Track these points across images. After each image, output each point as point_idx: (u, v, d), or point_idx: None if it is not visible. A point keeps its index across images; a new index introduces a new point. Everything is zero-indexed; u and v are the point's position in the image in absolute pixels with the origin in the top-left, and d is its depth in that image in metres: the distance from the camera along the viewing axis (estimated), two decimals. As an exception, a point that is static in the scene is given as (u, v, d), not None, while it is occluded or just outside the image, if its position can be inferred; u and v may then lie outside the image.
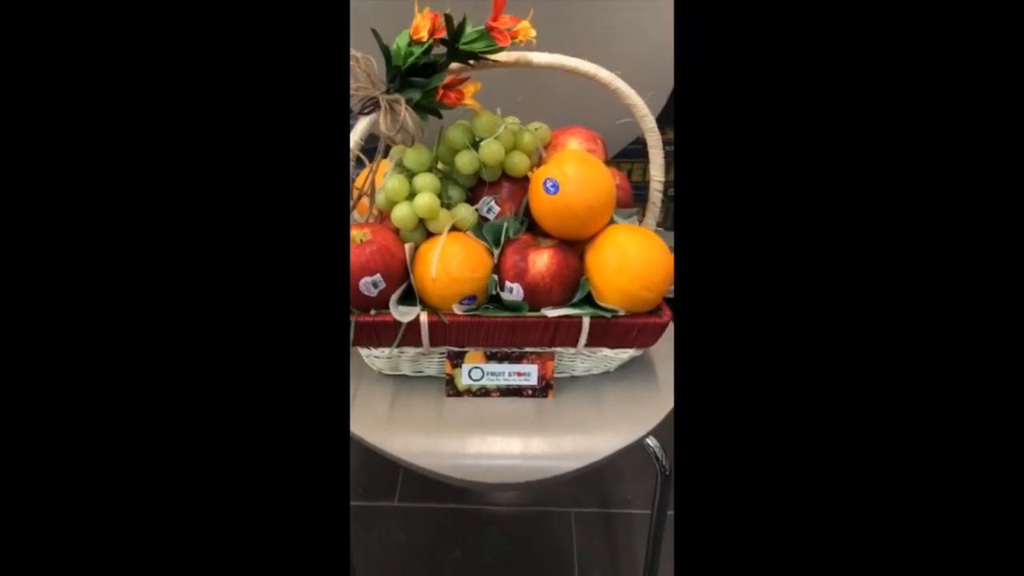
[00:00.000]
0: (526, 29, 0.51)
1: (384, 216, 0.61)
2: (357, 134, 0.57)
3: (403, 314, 0.55)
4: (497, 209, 0.59)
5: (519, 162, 0.58)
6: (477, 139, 0.57)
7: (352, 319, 0.56)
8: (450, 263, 0.55)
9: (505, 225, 0.57)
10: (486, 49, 0.51)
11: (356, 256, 0.54)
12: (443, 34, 0.50)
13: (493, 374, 0.61)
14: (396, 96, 0.53)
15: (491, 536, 0.95)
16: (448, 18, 0.50)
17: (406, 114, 0.52)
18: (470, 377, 0.61)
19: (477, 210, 0.59)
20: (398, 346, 0.59)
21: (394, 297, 0.56)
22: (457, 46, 0.51)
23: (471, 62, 0.52)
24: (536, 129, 0.60)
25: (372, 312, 0.57)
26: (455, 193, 0.59)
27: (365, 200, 0.60)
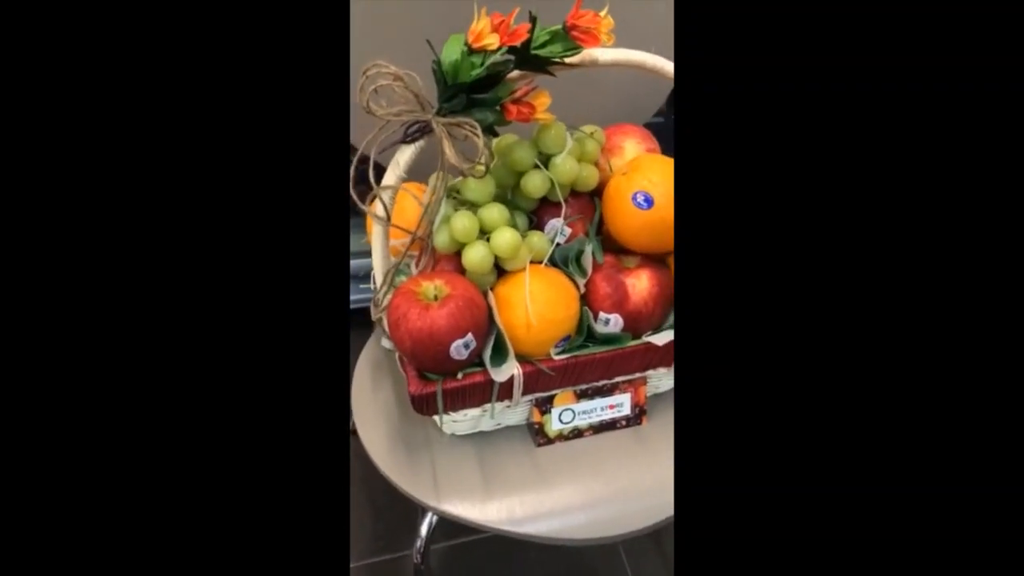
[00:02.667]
0: (608, 23, 0.43)
1: (440, 258, 0.51)
2: (401, 166, 0.47)
3: (501, 372, 0.47)
4: (568, 231, 0.52)
5: (589, 175, 0.51)
6: (544, 155, 0.49)
7: (436, 388, 0.47)
8: (543, 305, 0.47)
9: (590, 249, 0.50)
10: (565, 52, 0.43)
11: (441, 317, 0.45)
12: (520, 39, 0.42)
13: (585, 412, 0.55)
14: (458, 119, 0.44)
15: (531, 562, 0.90)
16: (533, 20, 0.41)
17: (479, 140, 0.43)
18: (560, 421, 0.54)
19: (547, 235, 0.52)
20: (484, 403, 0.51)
21: (487, 355, 0.48)
22: (531, 52, 0.43)
23: (548, 69, 0.44)
24: (592, 133, 0.53)
25: (460, 376, 0.48)
26: (521, 221, 0.51)
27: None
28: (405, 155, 0.47)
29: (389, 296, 0.50)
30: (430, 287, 0.47)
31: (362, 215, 0.51)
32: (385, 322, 0.52)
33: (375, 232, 0.49)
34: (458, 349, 0.46)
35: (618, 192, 0.50)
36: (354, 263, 1.05)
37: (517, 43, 0.42)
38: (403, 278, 0.54)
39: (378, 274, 0.51)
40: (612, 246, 0.53)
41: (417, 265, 0.53)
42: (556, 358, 0.49)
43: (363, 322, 0.59)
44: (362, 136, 0.55)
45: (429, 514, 0.54)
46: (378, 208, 0.48)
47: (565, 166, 0.48)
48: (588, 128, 0.54)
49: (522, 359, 0.49)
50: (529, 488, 0.52)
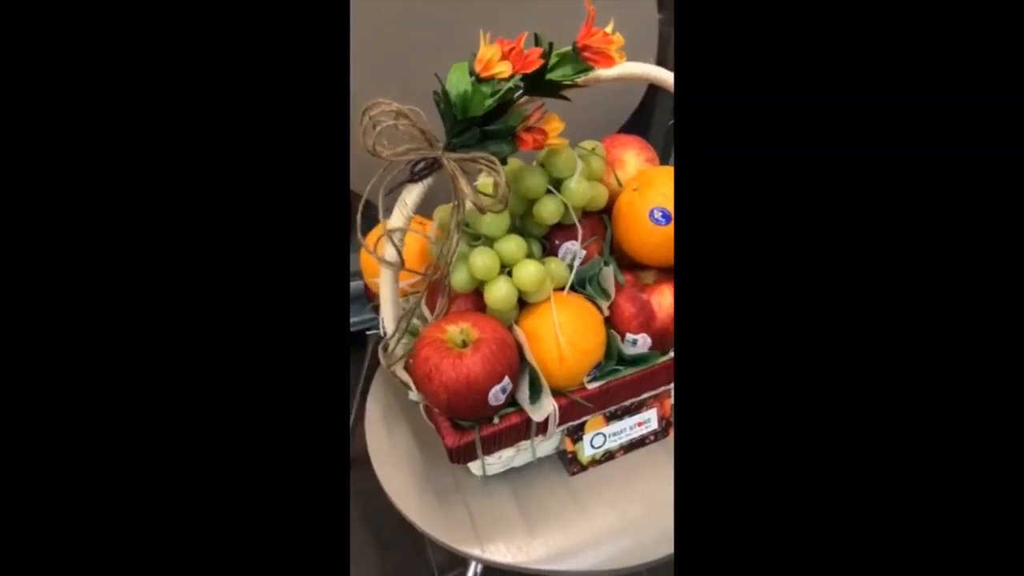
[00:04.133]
0: (618, 41, 0.41)
1: (454, 296, 0.49)
2: (409, 206, 0.44)
3: (538, 411, 0.45)
4: (583, 254, 0.50)
5: (600, 195, 0.50)
6: (554, 179, 0.47)
7: (474, 437, 0.45)
8: (573, 335, 0.46)
9: (611, 271, 0.49)
10: (576, 74, 0.41)
11: (476, 364, 0.42)
12: (534, 66, 0.39)
13: (615, 434, 0.54)
14: (472, 154, 0.41)
15: None
16: (549, 46, 0.39)
17: (500, 176, 0.40)
18: (592, 446, 0.53)
19: (562, 259, 0.50)
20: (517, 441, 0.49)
21: (524, 396, 0.46)
22: (545, 77, 0.40)
23: (561, 93, 0.42)
24: (594, 149, 0.52)
25: (496, 420, 0.46)
26: (536, 249, 0.49)
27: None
28: (412, 194, 0.44)
29: (402, 343, 0.47)
30: (456, 332, 0.44)
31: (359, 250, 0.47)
32: (404, 373, 0.49)
33: (383, 276, 0.46)
34: (496, 395, 0.43)
35: (632, 209, 0.48)
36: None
37: (530, 71, 0.39)
38: (417, 323, 0.51)
39: (388, 320, 0.48)
40: (624, 262, 0.52)
41: (428, 306, 0.50)
42: (590, 387, 0.48)
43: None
44: (357, 177, 0.51)
45: (473, 564, 0.51)
46: (387, 251, 0.45)
47: (579, 189, 0.47)
48: (588, 144, 0.52)
49: (555, 392, 0.47)
50: (571, 521, 0.51)
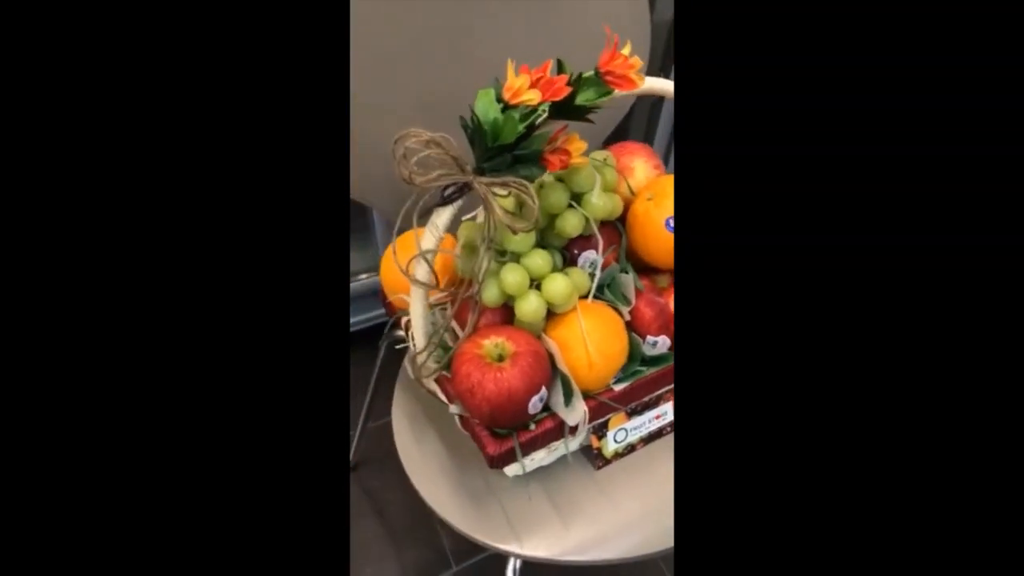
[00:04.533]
0: (636, 63, 0.43)
1: (483, 310, 0.51)
2: (440, 228, 0.45)
3: (572, 414, 0.48)
4: (601, 261, 0.53)
5: (616, 206, 0.52)
6: (575, 193, 0.49)
7: (514, 444, 0.47)
8: (599, 342, 0.48)
9: (631, 279, 0.51)
10: (600, 97, 0.43)
11: (516, 377, 0.44)
12: (562, 94, 0.41)
13: (636, 428, 0.57)
14: (503, 179, 0.43)
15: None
16: (578, 77, 0.40)
17: (532, 200, 0.42)
18: (615, 441, 0.56)
19: (582, 268, 0.52)
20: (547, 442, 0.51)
21: (557, 401, 0.48)
22: (574, 102, 0.42)
23: (586, 117, 0.44)
24: (606, 160, 0.54)
25: (532, 426, 0.48)
26: (558, 260, 0.51)
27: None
28: (443, 217, 0.45)
29: (432, 358, 0.49)
30: (492, 346, 0.46)
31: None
32: (435, 386, 0.51)
33: (414, 295, 0.48)
34: (535, 404, 0.46)
35: (649, 218, 0.51)
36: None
37: (560, 98, 0.41)
38: (443, 332, 0.53)
39: (419, 336, 0.49)
40: (638, 266, 0.54)
41: (459, 322, 0.52)
42: (616, 388, 0.51)
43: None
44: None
45: (511, 559, 0.54)
46: (419, 272, 0.46)
47: (600, 202, 0.49)
48: (600, 155, 0.54)
49: (585, 395, 0.50)
50: (600, 513, 0.54)
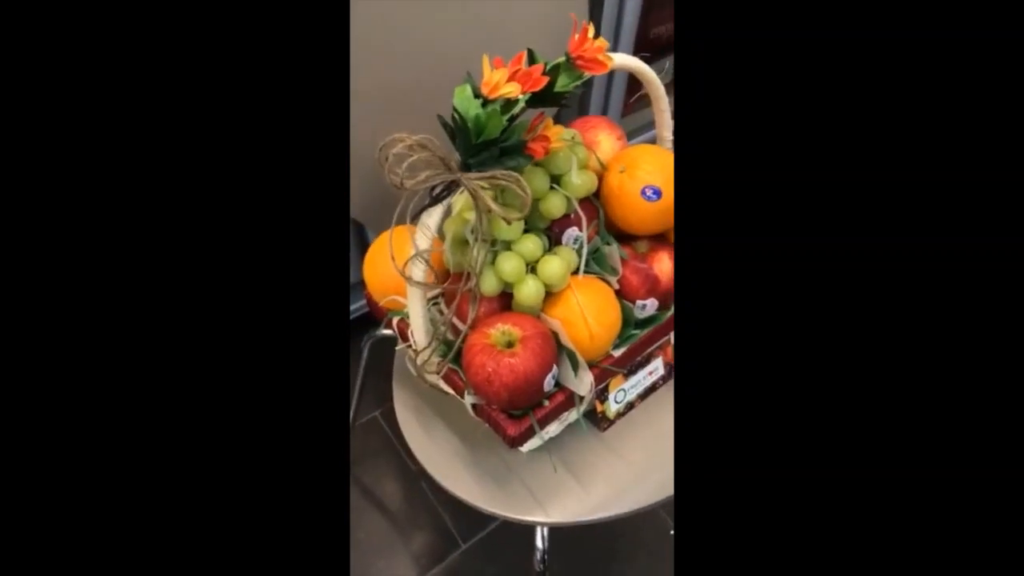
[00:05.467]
0: (602, 44, 0.45)
1: (482, 301, 0.52)
2: (432, 228, 0.46)
3: (580, 385, 0.51)
4: (584, 237, 0.55)
5: (592, 182, 0.54)
6: (554, 175, 0.51)
7: (532, 422, 0.50)
8: (597, 314, 0.51)
9: (615, 250, 0.54)
10: (574, 82, 0.45)
11: (529, 360, 0.46)
12: (540, 84, 0.42)
13: (632, 387, 0.60)
14: (492, 173, 0.44)
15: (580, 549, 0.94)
16: (554, 67, 0.42)
17: (523, 191, 0.43)
18: (616, 402, 0.60)
19: (569, 246, 0.54)
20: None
21: (569, 375, 0.51)
22: (552, 91, 0.44)
23: (562, 102, 0.45)
24: (573, 138, 0.56)
25: (545, 403, 0.51)
26: (544, 241, 0.53)
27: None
28: (434, 216, 0.46)
29: (436, 355, 0.51)
30: (499, 335, 0.48)
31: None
32: (440, 381, 0.53)
33: (412, 296, 0.49)
34: (548, 383, 0.48)
35: (624, 190, 0.53)
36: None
37: (538, 89, 0.42)
38: (443, 329, 0.54)
39: (420, 336, 0.50)
40: (617, 236, 0.57)
41: (457, 315, 0.53)
42: (616, 354, 0.53)
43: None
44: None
45: (538, 528, 0.57)
46: (415, 272, 0.47)
47: (579, 182, 0.51)
48: (567, 134, 0.56)
49: (589, 364, 0.52)
50: (613, 470, 0.57)
